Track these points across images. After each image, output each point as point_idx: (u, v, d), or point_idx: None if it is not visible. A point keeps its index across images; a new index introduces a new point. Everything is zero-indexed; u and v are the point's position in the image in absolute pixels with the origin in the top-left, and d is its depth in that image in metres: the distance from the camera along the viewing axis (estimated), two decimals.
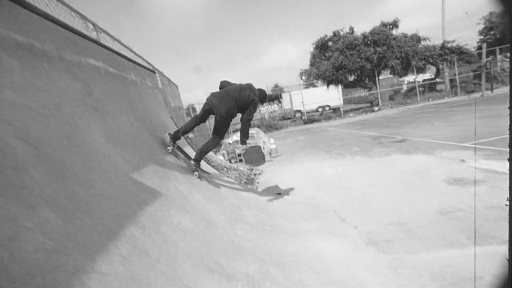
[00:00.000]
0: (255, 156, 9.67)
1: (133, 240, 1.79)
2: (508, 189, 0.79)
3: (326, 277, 2.57)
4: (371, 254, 3.04)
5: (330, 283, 2.46)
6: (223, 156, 10.65)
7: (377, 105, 21.74)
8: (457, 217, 3.52)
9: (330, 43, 24.51)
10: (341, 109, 23.03)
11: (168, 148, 4.21)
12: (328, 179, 5.99)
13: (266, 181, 7.13)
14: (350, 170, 6.36)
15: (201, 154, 4.40)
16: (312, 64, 25.49)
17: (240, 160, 10.14)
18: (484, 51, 19.37)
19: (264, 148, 10.27)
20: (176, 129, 7.35)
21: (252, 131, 11.49)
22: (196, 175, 4.21)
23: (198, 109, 27.69)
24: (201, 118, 4.43)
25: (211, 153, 11.43)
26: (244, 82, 4.56)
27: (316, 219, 4.15)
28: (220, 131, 4.41)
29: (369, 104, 23.22)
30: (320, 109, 28.27)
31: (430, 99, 21.20)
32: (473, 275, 2.49)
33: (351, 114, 21.28)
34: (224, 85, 4.58)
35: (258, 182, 7.12)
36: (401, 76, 25.39)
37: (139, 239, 1.87)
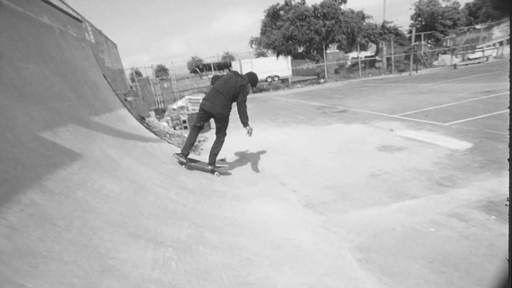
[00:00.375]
0: None
1: (32, 208, 1.48)
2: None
3: (262, 239, 2.56)
4: (307, 215, 3.13)
5: (265, 244, 2.45)
6: (167, 123, 10.09)
7: (323, 77, 22.47)
8: (383, 179, 3.81)
9: (281, 12, 24.05)
10: (289, 80, 23.30)
11: (184, 166, 4.37)
12: (272, 146, 6.02)
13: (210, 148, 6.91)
14: (294, 138, 6.47)
15: (214, 157, 4.51)
16: (263, 33, 24.90)
17: (185, 127, 9.72)
18: (413, 35, 21.00)
19: None
20: (113, 91, 6.59)
21: (197, 96, 10.96)
22: (217, 174, 4.41)
23: (144, 73, 25.39)
24: (200, 125, 4.50)
25: (153, 119, 10.70)
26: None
27: (257, 184, 4.14)
28: (223, 129, 4.49)
29: (316, 76, 23.86)
30: (269, 79, 28.24)
31: (370, 75, 22.59)
32: (389, 227, 2.72)
33: (298, 85, 21.68)
34: (214, 80, 4.63)
35: (202, 149, 6.89)
36: (346, 52, 26.34)
37: (42, 206, 1.56)
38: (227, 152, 6.08)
